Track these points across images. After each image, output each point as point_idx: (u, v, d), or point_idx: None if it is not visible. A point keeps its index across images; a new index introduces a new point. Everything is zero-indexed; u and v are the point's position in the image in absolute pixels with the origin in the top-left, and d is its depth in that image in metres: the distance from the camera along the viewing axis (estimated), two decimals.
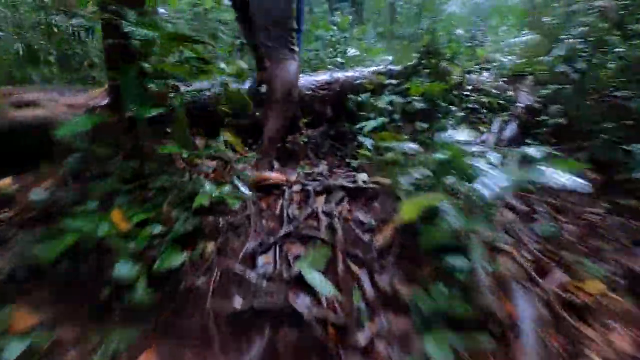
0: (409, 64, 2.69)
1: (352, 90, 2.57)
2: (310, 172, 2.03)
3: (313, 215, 1.34)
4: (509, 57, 2.98)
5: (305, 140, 2.61)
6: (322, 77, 2.44)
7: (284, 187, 1.48)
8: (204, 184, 1.16)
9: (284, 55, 1.77)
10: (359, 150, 1.95)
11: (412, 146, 1.32)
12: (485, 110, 3.49)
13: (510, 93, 4.16)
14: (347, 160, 2.47)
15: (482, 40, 5.93)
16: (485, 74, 4.24)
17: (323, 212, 1.35)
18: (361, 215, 1.38)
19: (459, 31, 2.96)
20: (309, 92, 2.32)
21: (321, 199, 1.44)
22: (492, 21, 5.90)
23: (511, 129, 3.27)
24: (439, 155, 1.08)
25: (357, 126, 2.25)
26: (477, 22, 5.27)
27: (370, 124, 2.20)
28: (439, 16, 2.56)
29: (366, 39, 4.73)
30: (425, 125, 2.64)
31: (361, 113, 2.49)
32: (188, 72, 1.40)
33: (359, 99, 2.47)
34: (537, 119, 3.22)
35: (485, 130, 3.31)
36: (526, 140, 3.15)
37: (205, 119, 1.91)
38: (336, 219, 1.31)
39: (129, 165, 1.18)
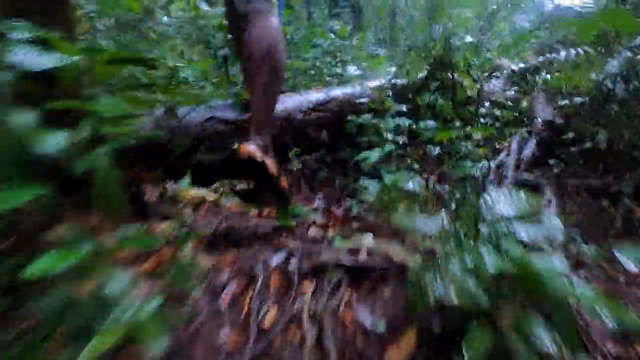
0: (419, 75, 2.22)
1: (353, 109, 2.10)
2: (303, 212, 1.57)
3: (296, 319, 0.89)
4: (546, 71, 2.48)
5: (299, 167, 2.15)
6: (317, 95, 1.97)
7: (257, 272, 1.01)
8: (122, 300, 0.70)
9: (261, 7, 1.33)
10: (361, 195, 1.49)
11: (437, 224, 0.85)
12: (498, 124, 3.01)
13: (524, 104, 3.68)
14: (348, 193, 2.01)
15: (489, 46, 5.42)
16: (493, 81, 3.75)
17: (310, 313, 0.89)
18: (365, 314, 0.92)
19: (468, 37, 2.47)
20: (301, 116, 1.85)
21: (309, 286, 0.98)
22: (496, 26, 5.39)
23: (530, 148, 2.78)
24: (495, 265, 0.62)
25: (359, 156, 1.78)
26: (483, 27, 4.79)
27: (374, 155, 1.73)
28: (448, 22, 2.13)
29: (367, 47, 4.25)
30: (436, 150, 2.17)
31: (363, 138, 2.02)
32: (120, 107, 0.95)
33: (360, 120, 2.00)
34: (561, 137, 2.75)
35: (499, 146, 2.83)
36: (549, 161, 2.69)
37: (167, 156, 1.45)
38: (328, 328, 0.85)
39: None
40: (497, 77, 3.81)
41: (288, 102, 1.83)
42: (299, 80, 2.76)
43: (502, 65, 4.05)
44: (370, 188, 1.37)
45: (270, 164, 1.30)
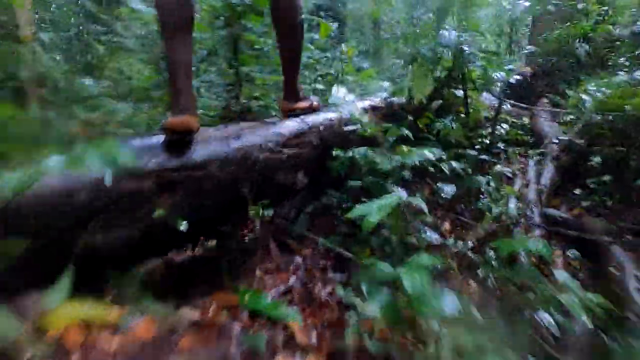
0: (421, 92, 1.62)
1: (339, 140, 1.49)
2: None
3: None
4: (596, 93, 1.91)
5: (270, 216, 1.51)
6: (289, 125, 1.34)
7: None
8: None
9: None
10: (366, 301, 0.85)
11: None
12: (504, 145, 2.43)
13: (525, 120, 3.14)
14: (335, 256, 1.38)
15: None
16: (484, 94, 3.21)
17: None
18: None
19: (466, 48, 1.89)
20: (266, 155, 1.22)
21: None
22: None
23: (549, 175, 2.21)
24: None
25: (353, 213, 1.15)
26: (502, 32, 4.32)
27: (374, 212, 1.10)
28: (460, 25, 1.59)
29: (350, 59, 3.65)
30: (449, 190, 1.57)
31: (355, 182, 1.40)
32: None
33: (351, 155, 1.38)
34: (585, 162, 2.20)
35: (509, 170, 2.24)
36: (574, 192, 2.12)
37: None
38: None
39: None
40: (488, 90, 3.26)
41: (247, 137, 1.20)
42: (270, 102, 2.13)
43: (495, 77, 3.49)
44: (378, 297, 0.74)
45: (303, 105, 1.50)
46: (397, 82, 3.59)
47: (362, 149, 1.39)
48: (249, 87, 2.30)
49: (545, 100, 3.24)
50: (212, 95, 2.30)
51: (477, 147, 1.78)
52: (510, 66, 1.86)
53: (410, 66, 1.47)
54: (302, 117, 1.40)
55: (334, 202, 1.50)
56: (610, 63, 3.39)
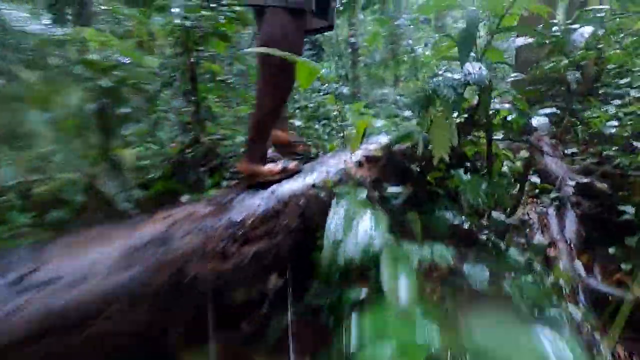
0: (442, 147, 1.18)
1: (325, 214, 1.01)
2: None
3: None
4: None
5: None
6: (254, 205, 0.85)
7: None
8: None
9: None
10: None
11: None
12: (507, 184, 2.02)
13: (524, 154, 2.78)
14: None
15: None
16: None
17: None
18: None
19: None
20: (215, 264, 0.72)
21: None
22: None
23: (573, 225, 1.81)
24: None
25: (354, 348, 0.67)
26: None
27: None
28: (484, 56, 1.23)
29: (329, 86, 3.25)
30: (482, 277, 1.11)
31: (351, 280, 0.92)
32: None
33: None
34: (613, 210, 1.82)
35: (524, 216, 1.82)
36: (605, 246, 1.73)
37: None
38: None
39: None
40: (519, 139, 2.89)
41: (180, 238, 0.70)
42: (239, 143, 1.64)
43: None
44: None
45: (269, 169, 1.01)
46: (382, 110, 3.20)
47: (362, 232, 0.92)
48: (212, 125, 1.82)
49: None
50: (166, 138, 1.79)
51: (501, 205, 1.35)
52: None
53: (421, 111, 1.04)
54: (272, 187, 0.91)
55: (324, 304, 1.01)
56: (601, 91, 3.14)
